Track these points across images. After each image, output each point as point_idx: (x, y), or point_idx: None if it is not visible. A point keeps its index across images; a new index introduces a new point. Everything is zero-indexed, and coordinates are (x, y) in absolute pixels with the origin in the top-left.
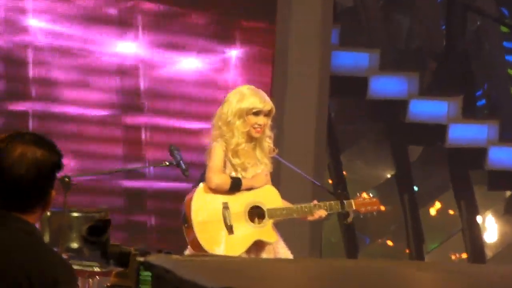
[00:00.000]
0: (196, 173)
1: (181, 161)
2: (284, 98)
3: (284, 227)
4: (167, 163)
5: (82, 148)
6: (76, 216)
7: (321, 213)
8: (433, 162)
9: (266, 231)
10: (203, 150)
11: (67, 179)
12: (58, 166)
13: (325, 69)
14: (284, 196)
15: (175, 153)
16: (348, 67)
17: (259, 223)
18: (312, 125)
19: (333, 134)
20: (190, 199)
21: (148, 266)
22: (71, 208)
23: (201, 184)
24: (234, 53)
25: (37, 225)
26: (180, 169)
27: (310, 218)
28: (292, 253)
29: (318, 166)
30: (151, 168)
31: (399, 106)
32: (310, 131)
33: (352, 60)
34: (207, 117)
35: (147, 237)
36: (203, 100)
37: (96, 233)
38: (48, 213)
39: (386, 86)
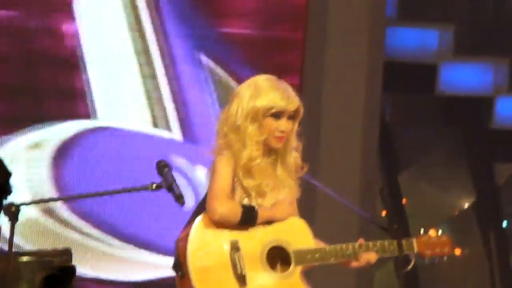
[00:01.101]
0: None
1: (174, 183)
2: (319, 94)
3: (319, 277)
4: (154, 186)
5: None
6: (27, 261)
7: (370, 256)
8: None
9: (293, 283)
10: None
11: (13, 208)
12: (4, 189)
13: (377, 52)
14: (317, 233)
15: (166, 171)
16: (410, 50)
17: (282, 270)
18: (358, 133)
19: (388, 145)
20: (185, 237)
21: None
22: (20, 251)
23: (201, 216)
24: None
25: None
26: (172, 195)
27: (354, 264)
28: None
29: (366, 190)
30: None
31: (481, 105)
32: (356, 141)
33: (416, 40)
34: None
35: None
36: None
37: (55, 285)
38: None
39: (463, 77)
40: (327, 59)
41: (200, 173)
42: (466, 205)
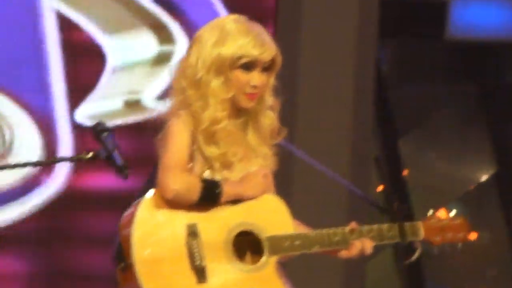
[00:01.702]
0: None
1: (115, 151)
2: (299, 39)
3: (299, 269)
4: (89, 155)
5: None
6: None
7: (364, 244)
8: None
9: (266, 277)
10: (152, 133)
11: None
12: None
13: None
14: (297, 214)
15: (105, 136)
16: None
17: (253, 262)
18: (348, 88)
19: (385, 103)
20: (130, 220)
21: None
22: None
23: (150, 193)
24: None
25: None
26: (113, 165)
27: (344, 253)
28: None
29: (358, 160)
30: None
31: (503, 53)
32: (345, 99)
33: None
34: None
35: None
36: None
37: None
38: None
39: (480, 17)
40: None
41: None
42: (485, 178)
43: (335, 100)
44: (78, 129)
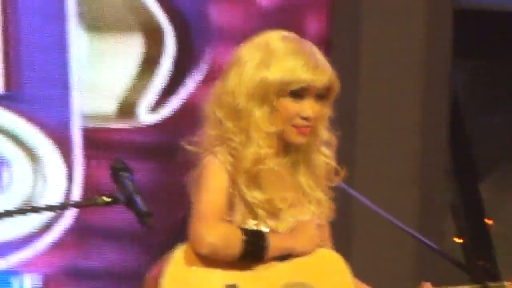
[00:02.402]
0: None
1: (136, 195)
2: (358, 61)
3: None
4: (107, 200)
5: None
6: None
7: None
8: None
9: None
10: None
11: None
12: None
13: None
14: (359, 272)
15: (123, 177)
16: None
17: None
18: (416, 122)
19: (461, 139)
20: (157, 280)
21: None
22: None
23: (181, 247)
24: None
25: None
26: (134, 211)
27: None
28: None
29: (430, 207)
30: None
31: None
32: (413, 134)
33: None
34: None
35: None
36: None
37: None
38: None
39: None
40: (368, 6)
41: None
42: None
43: (401, 135)
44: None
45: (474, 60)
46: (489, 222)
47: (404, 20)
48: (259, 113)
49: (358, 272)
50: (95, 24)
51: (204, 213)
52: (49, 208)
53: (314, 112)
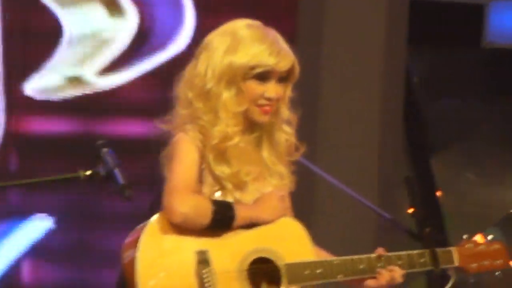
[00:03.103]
0: (145, 195)
1: (116, 169)
2: (319, 45)
3: None
4: (87, 173)
5: None
6: None
7: (393, 273)
8: None
9: None
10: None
11: None
12: None
13: None
14: (318, 239)
15: (105, 152)
16: None
17: None
18: (374, 101)
19: (416, 118)
20: (134, 246)
21: None
22: None
23: (155, 217)
24: None
25: None
26: (114, 184)
27: (371, 283)
28: None
29: (385, 180)
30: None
31: None
32: (371, 113)
33: None
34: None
35: None
36: None
37: None
38: None
39: None
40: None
41: None
42: None
43: (360, 114)
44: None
45: (428, 46)
46: (439, 194)
47: (365, 9)
48: (226, 94)
49: (318, 239)
50: None
51: (176, 185)
52: (32, 182)
53: (277, 93)
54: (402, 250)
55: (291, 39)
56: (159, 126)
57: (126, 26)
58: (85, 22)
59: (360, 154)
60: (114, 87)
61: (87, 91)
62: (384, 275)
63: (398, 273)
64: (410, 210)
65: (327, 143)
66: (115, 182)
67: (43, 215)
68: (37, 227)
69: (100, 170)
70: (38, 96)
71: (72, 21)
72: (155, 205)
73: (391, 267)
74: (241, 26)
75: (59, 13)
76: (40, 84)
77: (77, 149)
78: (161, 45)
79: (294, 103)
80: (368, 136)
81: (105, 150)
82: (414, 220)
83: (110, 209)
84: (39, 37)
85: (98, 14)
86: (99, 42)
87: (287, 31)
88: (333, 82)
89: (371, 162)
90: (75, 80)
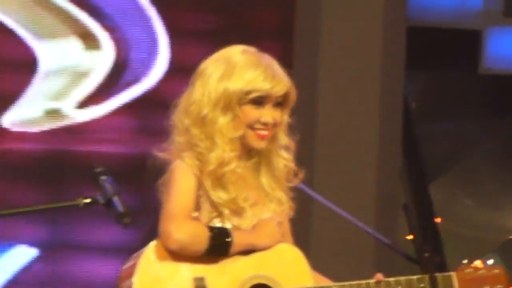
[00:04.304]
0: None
1: (114, 197)
2: (316, 70)
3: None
4: (86, 200)
5: None
6: None
7: None
8: None
9: None
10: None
11: None
12: None
13: (397, 14)
14: (317, 265)
15: (103, 180)
16: (445, 10)
17: None
18: (372, 126)
19: (413, 143)
20: (130, 274)
21: None
22: None
23: (152, 244)
24: None
25: None
26: (113, 212)
27: None
28: None
29: (384, 206)
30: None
31: None
32: (369, 138)
33: None
34: None
35: None
36: None
37: None
38: None
39: None
40: (326, 22)
41: None
42: None
43: (358, 140)
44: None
45: (425, 71)
46: (437, 220)
47: (362, 35)
48: (222, 120)
49: (316, 265)
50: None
51: (173, 212)
52: (29, 210)
53: (273, 118)
54: (400, 275)
55: (286, 63)
56: (156, 154)
57: (102, 59)
58: (61, 56)
59: (358, 179)
60: (91, 119)
61: (65, 123)
62: None
63: None
64: (410, 237)
65: (326, 169)
66: (114, 210)
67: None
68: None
69: (98, 197)
70: (15, 128)
71: (48, 54)
72: (151, 234)
73: None
74: (236, 52)
75: (35, 45)
76: (18, 116)
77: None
78: (137, 77)
79: (292, 129)
80: (367, 162)
81: (104, 177)
82: (413, 246)
83: (96, 239)
84: (14, 68)
85: (74, 48)
86: (76, 75)
87: (282, 56)
88: (330, 107)
89: (369, 188)
90: (54, 113)
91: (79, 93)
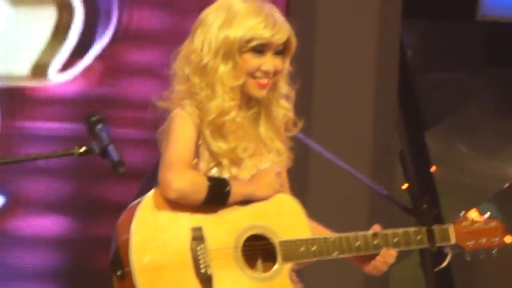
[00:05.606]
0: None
1: (109, 146)
2: (315, 19)
3: (316, 276)
4: (82, 149)
5: None
6: None
7: (387, 253)
8: None
9: (279, 286)
10: (154, 125)
11: None
12: None
13: None
14: (314, 215)
15: (99, 129)
16: None
17: (265, 269)
18: (369, 76)
19: (410, 92)
20: (128, 223)
21: None
22: None
23: (150, 193)
24: None
25: None
26: (109, 161)
27: (365, 267)
28: None
29: (380, 155)
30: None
31: None
32: (365, 86)
33: None
34: None
35: None
36: None
37: None
38: None
39: None
40: None
41: None
42: None
43: (355, 89)
44: None
45: (423, 20)
46: (433, 168)
47: None
48: (223, 68)
49: (314, 215)
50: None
51: (173, 161)
52: (23, 159)
53: (274, 66)
54: (396, 224)
55: (284, 13)
56: (157, 103)
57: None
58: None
59: (355, 129)
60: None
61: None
62: (380, 256)
63: (393, 253)
64: (405, 186)
65: (323, 118)
66: (109, 159)
67: None
68: None
69: (94, 146)
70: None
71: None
72: (150, 182)
73: (385, 252)
74: (237, 0)
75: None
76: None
77: None
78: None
79: (292, 78)
80: (363, 111)
81: (99, 126)
82: (409, 196)
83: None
84: None
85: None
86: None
87: (281, 5)
88: (328, 57)
89: (366, 137)
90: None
91: (60, 58)
